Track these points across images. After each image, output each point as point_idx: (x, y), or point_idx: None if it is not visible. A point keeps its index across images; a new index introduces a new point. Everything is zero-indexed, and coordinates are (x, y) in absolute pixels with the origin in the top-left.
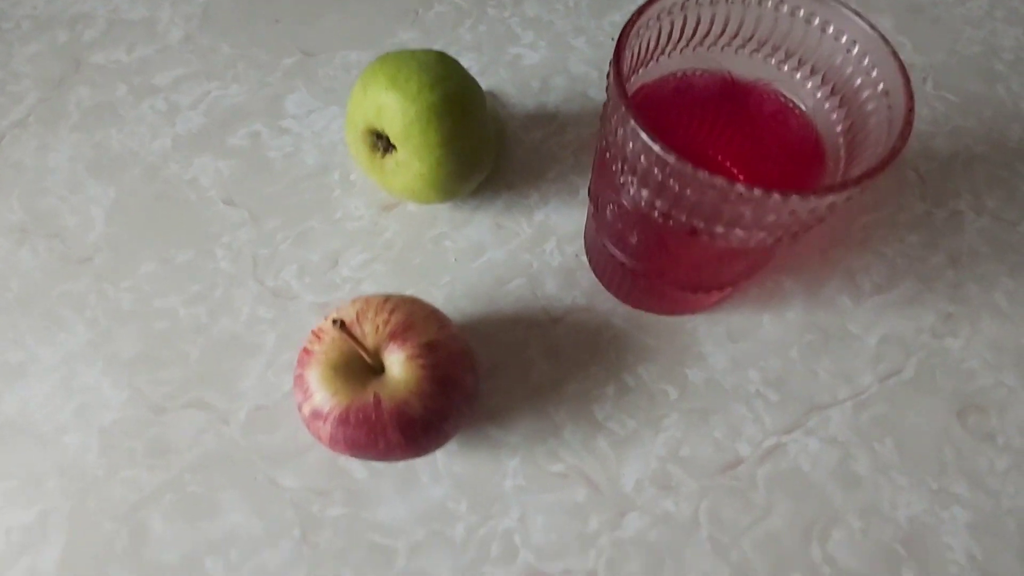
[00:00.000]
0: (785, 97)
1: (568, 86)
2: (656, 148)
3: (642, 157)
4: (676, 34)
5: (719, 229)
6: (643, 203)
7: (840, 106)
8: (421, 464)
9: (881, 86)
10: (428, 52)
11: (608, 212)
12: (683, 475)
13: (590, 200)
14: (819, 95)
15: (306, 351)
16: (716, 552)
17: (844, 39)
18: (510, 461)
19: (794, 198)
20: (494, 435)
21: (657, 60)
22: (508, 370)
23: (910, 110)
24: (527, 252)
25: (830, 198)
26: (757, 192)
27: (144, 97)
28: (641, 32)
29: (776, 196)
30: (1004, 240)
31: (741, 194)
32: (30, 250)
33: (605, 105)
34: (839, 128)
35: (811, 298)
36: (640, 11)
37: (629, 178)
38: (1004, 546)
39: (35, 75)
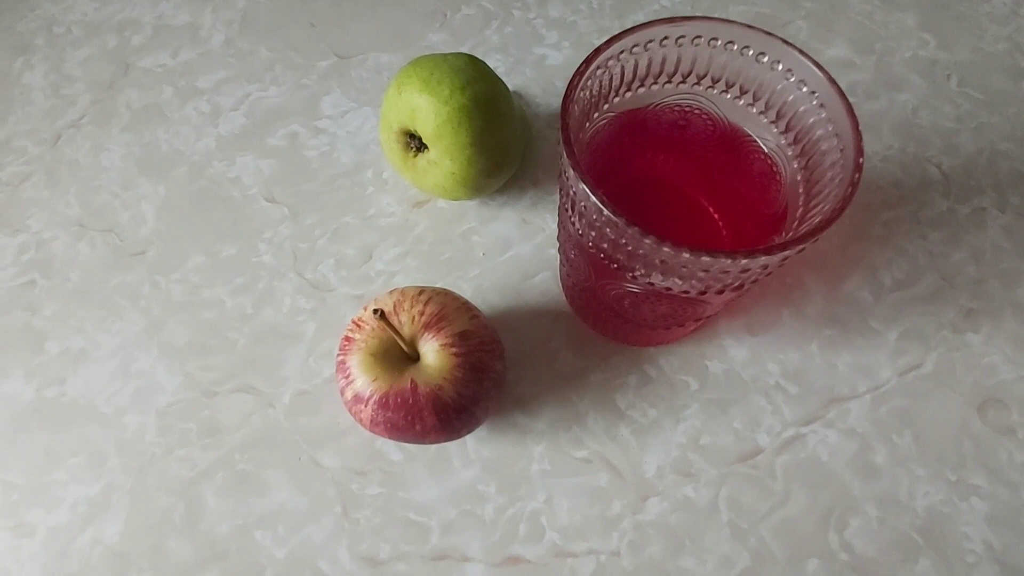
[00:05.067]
0: (751, 136)
1: None
2: (593, 199)
3: (583, 203)
4: (628, 75)
5: (657, 278)
6: (590, 245)
7: (795, 143)
8: (453, 449)
9: (831, 127)
10: (459, 55)
11: (571, 253)
12: (703, 463)
13: (559, 245)
14: (775, 130)
15: (348, 339)
16: (735, 537)
17: (793, 77)
18: (536, 447)
19: (721, 260)
20: (521, 422)
21: (636, 91)
22: (534, 360)
23: (859, 155)
24: (552, 247)
25: (760, 259)
26: (685, 255)
27: (189, 99)
28: (599, 73)
29: (704, 258)
30: None
31: (665, 252)
32: (88, 243)
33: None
34: (796, 165)
35: (831, 293)
36: (597, 52)
37: (577, 219)
38: (1023, 538)
39: (87, 78)
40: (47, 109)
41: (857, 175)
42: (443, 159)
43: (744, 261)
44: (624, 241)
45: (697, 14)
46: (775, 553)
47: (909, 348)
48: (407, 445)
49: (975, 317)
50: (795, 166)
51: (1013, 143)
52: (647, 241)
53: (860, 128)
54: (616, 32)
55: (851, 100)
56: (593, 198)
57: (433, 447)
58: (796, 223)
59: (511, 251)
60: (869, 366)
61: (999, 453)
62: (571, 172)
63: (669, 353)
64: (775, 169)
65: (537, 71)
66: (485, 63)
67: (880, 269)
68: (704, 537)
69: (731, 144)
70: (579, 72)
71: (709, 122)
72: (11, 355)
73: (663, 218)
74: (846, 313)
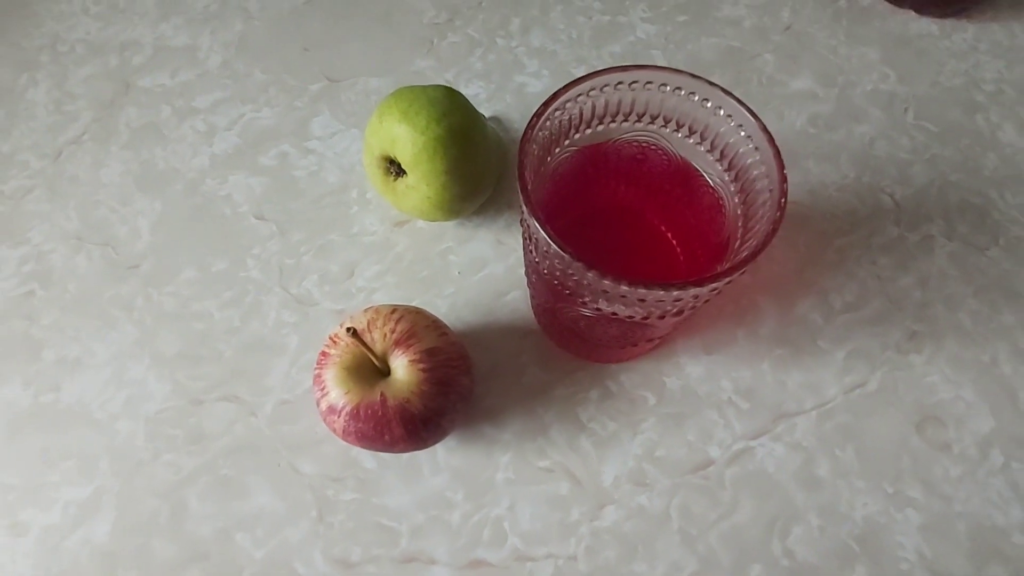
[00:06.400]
0: (700, 171)
1: None
2: (542, 233)
3: (536, 236)
4: (588, 115)
5: (604, 305)
6: (545, 272)
7: (735, 180)
8: (423, 457)
9: (763, 168)
10: (437, 88)
11: (532, 277)
12: (657, 473)
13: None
14: (719, 167)
15: (324, 354)
16: (685, 543)
17: (732, 122)
18: (502, 456)
19: (656, 291)
20: (489, 433)
21: (595, 128)
22: (503, 374)
23: (782, 197)
24: (523, 267)
25: (692, 290)
26: (623, 287)
27: (186, 118)
28: (557, 114)
29: (641, 289)
30: (972, 264)
31: (606, 283)
32: (85, 256)
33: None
34: (736, 200)
35: (784, 315)
36: (554, 96)
37: (534, 248)
38: (954, 547)
39: (89, 96)
40: (50, 125)
41: (779, 214)
42: (420, 184)
43: (676, 293)
44: (571, 272)
45: (653, 62)
46: (721, 559)
47: (855, 367)
48: (380, 454)
49: (919, 339)
50: (736, 201)
51: (964, 174)
52: (590, 274)
53: (785, 171)
54: (593, 61)
55: (812, 131)
56: (542, 232)
57: (405, 456)
58: (734, 254)
59: (485, 270)
60: (816, 384)
61: (935, 468)
62: (524, 208)
63: (630, 369)
64: (720, 202)
65: (517, 98)
66: (462, 95)
67: (831, 292)
68: (655, 543)
69: (684, 177)
70: (537, 114)
71: (664, 157)
72: (10, 362)
73: (626, 244)
74: (797, 334)
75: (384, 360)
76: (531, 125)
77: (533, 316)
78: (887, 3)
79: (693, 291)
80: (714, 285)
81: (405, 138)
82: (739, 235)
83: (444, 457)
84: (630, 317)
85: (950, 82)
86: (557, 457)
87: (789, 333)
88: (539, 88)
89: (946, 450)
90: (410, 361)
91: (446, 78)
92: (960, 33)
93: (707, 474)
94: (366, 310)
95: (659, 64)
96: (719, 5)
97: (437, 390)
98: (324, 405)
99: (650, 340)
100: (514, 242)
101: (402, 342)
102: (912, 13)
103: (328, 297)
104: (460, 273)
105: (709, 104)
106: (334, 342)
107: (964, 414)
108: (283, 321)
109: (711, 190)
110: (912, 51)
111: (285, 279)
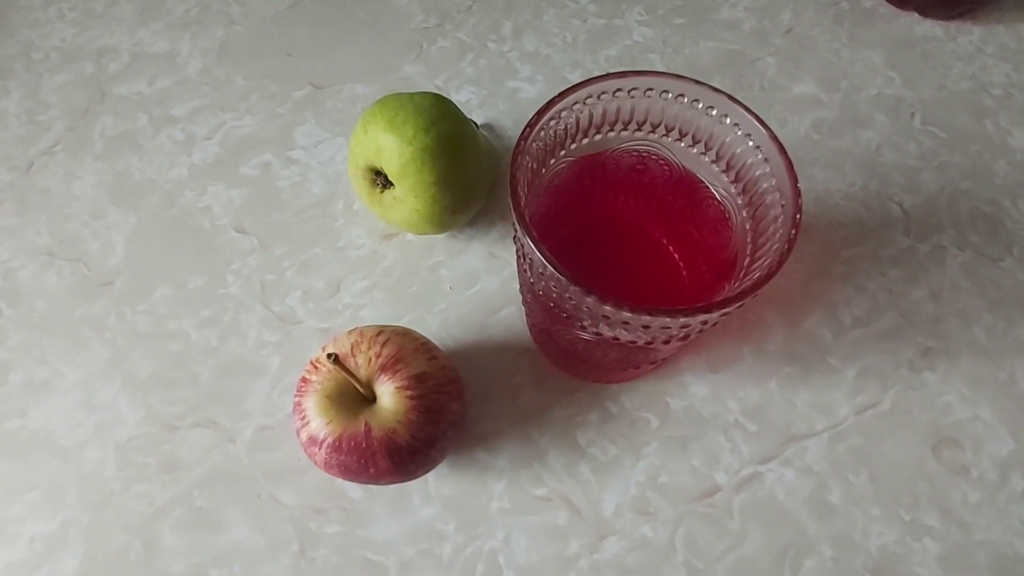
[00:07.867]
0: (704, 183)
1: None
2: (538, 254)
3: (531, 256)
4: (584, 123)
5: (604, 329)
6: (540, 293)
7: (743, 193)
8: (413, 486)
9: (774, 181)
10: (425, 95)
11: (527, 296)
12: (661, 501)
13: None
14: (726, 179)
15: (304, 380)
16: None
17: (740, 131)
18: (497, 484)
19: (661, 318)
20: (482, 459)
21: (592, 138)
22: (497, 395)
23: (796, 212)
24: (518, 281)
25: (700, 316)
26: (626, 313)
27: (163, 127)
28: (552, 123)
29: (644, 316)
30: (986, 276)
31: (607, 309)
32: (55, 273)
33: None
34: (744, 214)
35: (792, 331)
36: (549, 105)
37: (529, 268)
38: None
39: (62, 105)
40: (21, 135)
41: (794, 232)
42: (408, 196)
43: (683, 319)
44: (569, 295)
45: (651, 67)
46: None
47: (867, 386)
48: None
49: (932, 356)
50: (744, 215)
51: (974, 181)
52: (589, 299)
53: (799, 185)
54: (589, 65)
55: (816, 137)
56: (537, 253)
57: (393, 485)
58: (743, 272)
59: (478, 285)
60: (827, 404)
61: (953, 493)
62: (518, 226)
63: (631, 390)
64: (727, 216)
65: (510, 104)
66: (452, 102)
67: (840, 306)
68: None
69: (687, 189)
70: (530, 125)
71: (666, 167)
72: None
73: (626, 260)
74: (806, 351)
75: (369, 387)
76: (523, 136)
77: (528, 334)
78: (890, 5)
79: (702, 317)
80: (725, 310)
81: (391, 149)
82: (748, 251)
83: (435, 486)
84: (632, 342)
85: (957, 86)
86: (555, 484)
87: (797, 350)
88: (533, 93)
89: (964, 474)
90: (397, 388)
91: (436, 84)
92: (965, 35)
93: (713, 502)
94: (350, 332)
95: (657, 68)
96: (717, 8)
97: (426, 419)
98: (304, 436)
99: (653, 362)
100: (508, 255)
101: (388, 367)
102: (916, 15)
103: (312, 315)
104: (451, 288)
105: (714, 112)
106: (315, 368)
107: (982, 435)
108: (264, 340)
109: (716, 203)
110: (917, 54)
111: (267, 296)
